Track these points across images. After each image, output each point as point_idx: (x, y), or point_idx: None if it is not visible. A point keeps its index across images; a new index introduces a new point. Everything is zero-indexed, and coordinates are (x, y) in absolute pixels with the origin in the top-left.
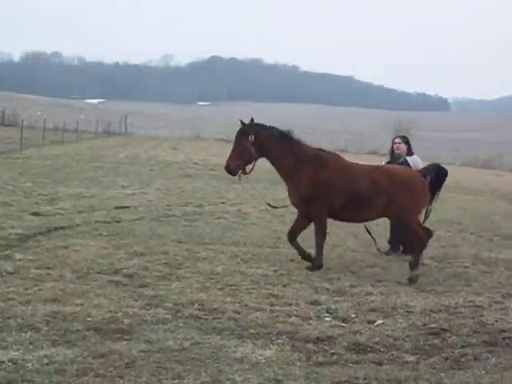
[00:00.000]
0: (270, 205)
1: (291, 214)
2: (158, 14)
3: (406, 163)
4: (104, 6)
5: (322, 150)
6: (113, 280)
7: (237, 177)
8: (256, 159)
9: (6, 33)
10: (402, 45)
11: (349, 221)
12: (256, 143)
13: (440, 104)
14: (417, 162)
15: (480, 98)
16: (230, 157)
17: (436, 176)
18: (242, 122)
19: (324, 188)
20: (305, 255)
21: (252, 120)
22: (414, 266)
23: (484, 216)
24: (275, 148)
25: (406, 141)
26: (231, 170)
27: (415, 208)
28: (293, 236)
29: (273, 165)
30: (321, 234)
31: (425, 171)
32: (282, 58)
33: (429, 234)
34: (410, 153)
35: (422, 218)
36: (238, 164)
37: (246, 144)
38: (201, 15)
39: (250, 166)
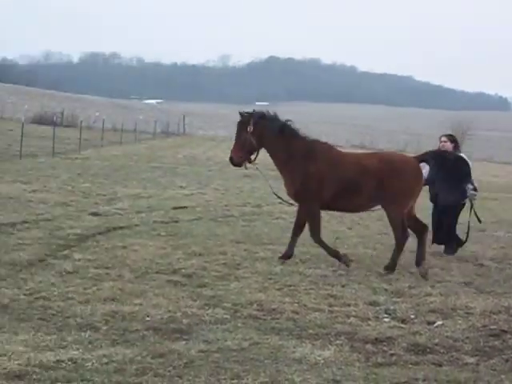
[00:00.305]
0: (279, 197)
1: (348, 215)
2: (215, 14)
3: None
4: (161, 6)
5: (316, 142)
6: (171, 280)
7: (243, 167)
8: (257, 149)
9: (65, 34)
10: (461, 44)
11: (342, 210)
12: (255, 133)
13: (500, 103)
14: (467, 161)
15: None
16: (232, 149)
17: (438, 162)
18: (240, 114)
19: (313, 182)
20: (331, 252)
21: (253, 110)
22: (390, 267)
23: None
24: (271, 139)
25: (452, 139)
26: (235, 162)
27: (405, 193)
28: (298, 228)
29: (270, 156)
30: (315, 233)
31: (422, 157)
32: (339, 58)
33: (424, 228)
34: (456, 151)
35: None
36: (240, 156)
37: (245, 135)
38: (258, 15)
39: (253, 156)
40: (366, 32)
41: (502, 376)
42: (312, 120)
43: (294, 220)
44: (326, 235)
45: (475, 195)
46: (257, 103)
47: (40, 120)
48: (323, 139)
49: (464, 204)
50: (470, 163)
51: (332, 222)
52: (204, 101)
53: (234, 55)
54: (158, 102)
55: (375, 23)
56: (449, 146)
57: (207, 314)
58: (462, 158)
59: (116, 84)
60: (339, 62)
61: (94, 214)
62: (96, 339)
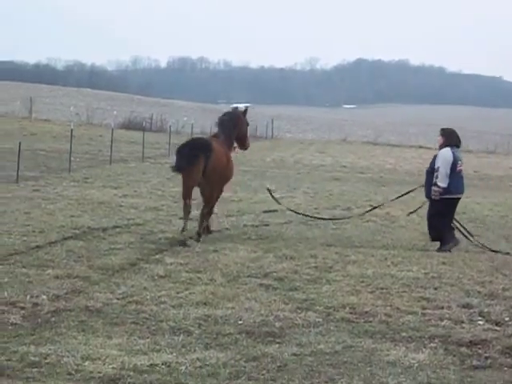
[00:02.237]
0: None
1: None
2: (302, 17)
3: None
4: (245, 9)
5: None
6: (263, 283)
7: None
8: None
9: (153, 39)
10: None
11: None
12: None
13: None
14: (439, 155)
15: None
16: None
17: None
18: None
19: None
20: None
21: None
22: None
23: None
24: None
25: (442, 133)
26: None
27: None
28: None
29: None
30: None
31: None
32: (428, 59)
33: None
34: (445, 146)
35: None
36: None
37: None
38: (346, 17)
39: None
40: (455, 32)
41: None
42: (401, 122)
43: (384, 222)
44: (416, 238)
45: (435, 191)
46: (345, 106)
47: (129, 125)
48: (412, 141)
49: (452, 199)
50: (445, 159)
51: (422, 224)
52: (292, 104)
53: (321, 58)
54: (246, 106)
55: (463, 23)
56: (440, 140)
57: (299, 318)
58: (437, 154)
59: (204, 88)
60: (428, 63)
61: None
62: (189, 343)
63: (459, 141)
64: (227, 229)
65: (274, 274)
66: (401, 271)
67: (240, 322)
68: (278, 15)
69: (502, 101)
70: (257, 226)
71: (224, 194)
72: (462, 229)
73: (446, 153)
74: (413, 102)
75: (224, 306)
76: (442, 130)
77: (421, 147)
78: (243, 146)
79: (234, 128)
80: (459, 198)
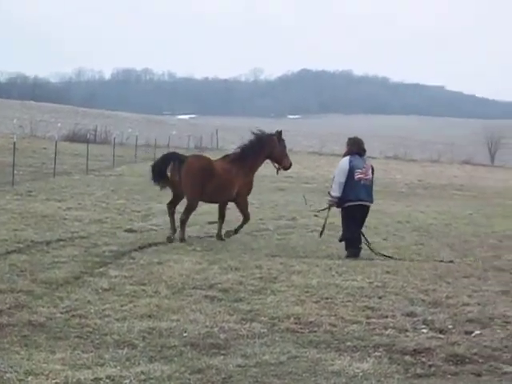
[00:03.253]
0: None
1: (384, 226)
2: (245, 28)
3: None
4: (191, 21)
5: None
6: (208, 295)
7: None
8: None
9: (97, 51)
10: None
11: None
12: None
13: None
14: (339, 165)
15: None
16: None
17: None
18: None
19: None
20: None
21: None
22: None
23: None
24: None
25: (347, 142)
26: None
27: None
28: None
29: None
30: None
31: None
32: (371, 69)
33: None
34: (347, 154)
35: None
36: None
37: None
38: (288, 28)
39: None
40: (397, 42)
41: None
42: (345, 132)
43: (329, 232)
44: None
45: (329, 200)
46: (289, 116)
47: (73, 137)
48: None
49: (355, 206)
50: (340, 168)
51: (368, 233)
52: (237, 115)
53: (265, 68)
54: (190, 117)
55: (405, 34)
56: (345, 149)
57: (244, 329)
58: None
59: (148, 100)
60: (371, 73)
61: (129, 231)
62: (133, 356)
63: (362, 149)
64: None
65: (219, 285)
66: (345, 281)
67: (185, 334)
68: (221, 27)
69: (445, 110)
70: (202, 238)
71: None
72: (364, 240)
73: (343, 162)
74: (357, 112)
75: (169, 318)
76: (348, 139)
77: None
78: (281, 165)
79: (261, 150)
80: (365, 206)
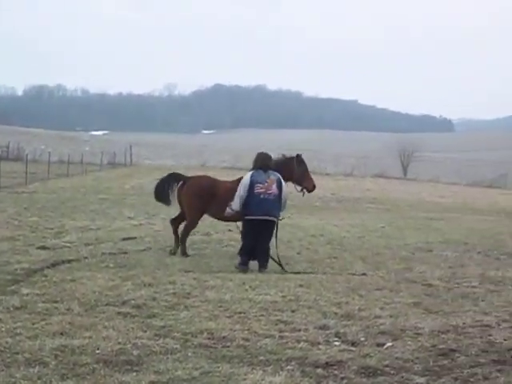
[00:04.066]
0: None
1: (298, 240)
2: (159, 44)
3: None
4: (103, 38)
5: None
6: (121, 311)
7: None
8: None
9: (8, 67)
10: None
11: None
12: None
13: (444, 125)
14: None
15: (483, 117)
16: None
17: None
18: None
19: None
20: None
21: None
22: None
23: (490, 235)
24: None
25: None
26: None
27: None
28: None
29: None
30: None
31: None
32: (285, 84)
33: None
34: (251, 169)
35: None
36: None
37: None
38: (201, 43)
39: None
40: (311, 57)
41: None
42: (259, 146)
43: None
44: (274, 262)
45: (227, 212)
46: (204, 131)
47: None
48: None
49: (258, 220)
50: (242, 183)
51: (281, 247)
52: (150, 130)
53: (179, 84)
54: (104, 133)
55: (318, 48)
56: None
57: (157, 345)
58: None
59: (61, 116)
60: (285, 87)
61: (42, 248)
62: (45, 374)
63: (264, 164)
64: (85, 258)
65: (132, 301)
66: (259, 295)
67: (97, 352)
68: (134, 42)
69: (358, 124)
70: (115, 254)
71: (82, 223)
72: (275, 257)
73: (245, 177)
74: (271, 127)
75: (81, 335)
76: (256, 154)
77: None
78: (304, 187)
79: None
80: (268, 220)
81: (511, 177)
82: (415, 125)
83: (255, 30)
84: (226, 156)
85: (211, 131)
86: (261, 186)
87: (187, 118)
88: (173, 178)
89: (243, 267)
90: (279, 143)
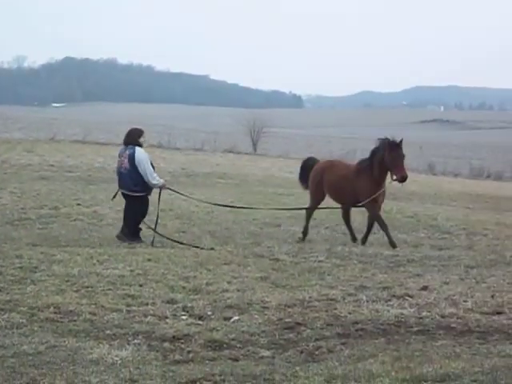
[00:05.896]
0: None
1: (147, 214)
2: (7, 13)
3: None
4: None
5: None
6: None
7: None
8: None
9: None
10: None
11: None
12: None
13: (294, 101)
14: None
15: (333, 94)
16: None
17: None
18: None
19: None
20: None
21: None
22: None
23: (337, 211)
24: None
25: None
26: None
27: None
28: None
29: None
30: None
31: None
32: (136, 58)
33: None
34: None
35: None
36: None
37: None
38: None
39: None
40: (161, 32)
41: (297, 367)
42: (110, 120)
43: (91, 221)
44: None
45: None
46: (53, 104)
47: None
48: (120, 139)
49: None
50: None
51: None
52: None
53: (29, 56)
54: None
55: (168, 23)
56: None
57: (3, 319)
58: None
59: None
60: (136, 62)
61: None
62: None
63: (124, 140)
64: None
65: None
66: (106, 269)
67: None
68: None
69: (209, 98)
70: None
71: None
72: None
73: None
74: (122, 101)
75: None
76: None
77: None
78: (392, 173)
79: (372, 156)
80: (128, 195)
81: (360, 153)
82: (266, 100)
83: (102, 5)
84: (76, 129)
85: (61, 104)
86: (118, 160)
87: (37, 90)
88: (307, 163)
89: (121, 236)
90: (129, 118)
